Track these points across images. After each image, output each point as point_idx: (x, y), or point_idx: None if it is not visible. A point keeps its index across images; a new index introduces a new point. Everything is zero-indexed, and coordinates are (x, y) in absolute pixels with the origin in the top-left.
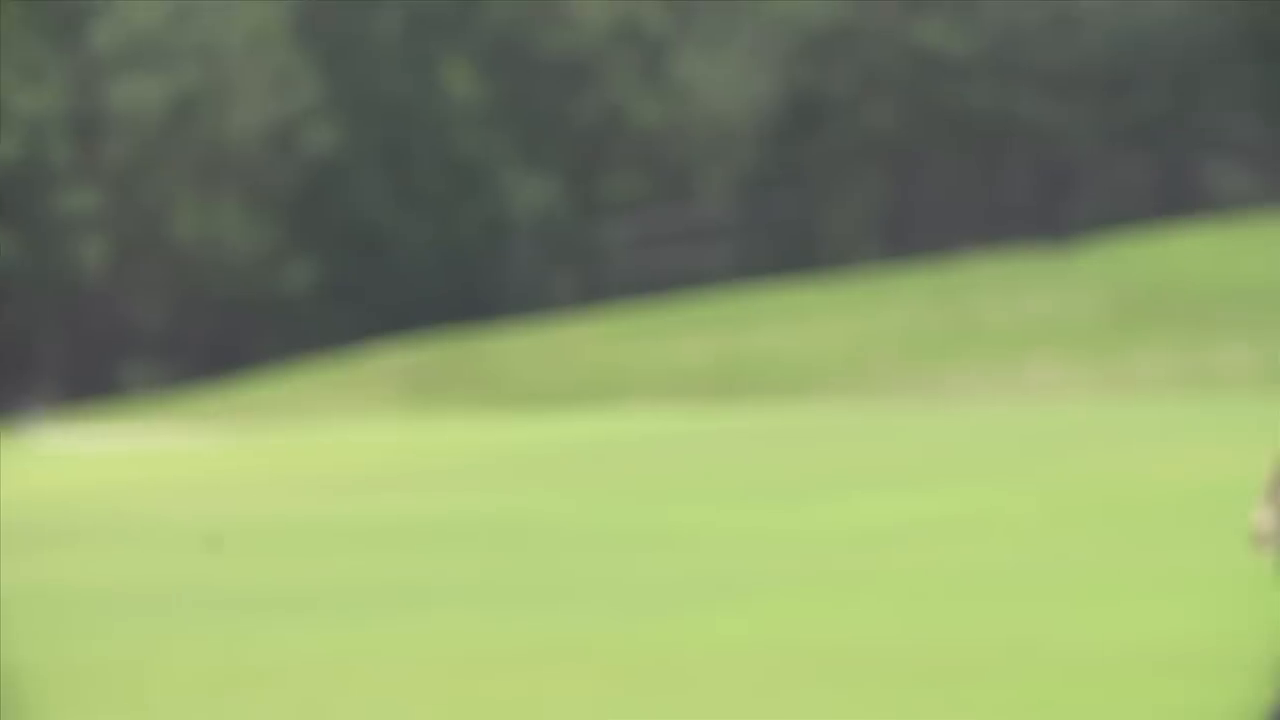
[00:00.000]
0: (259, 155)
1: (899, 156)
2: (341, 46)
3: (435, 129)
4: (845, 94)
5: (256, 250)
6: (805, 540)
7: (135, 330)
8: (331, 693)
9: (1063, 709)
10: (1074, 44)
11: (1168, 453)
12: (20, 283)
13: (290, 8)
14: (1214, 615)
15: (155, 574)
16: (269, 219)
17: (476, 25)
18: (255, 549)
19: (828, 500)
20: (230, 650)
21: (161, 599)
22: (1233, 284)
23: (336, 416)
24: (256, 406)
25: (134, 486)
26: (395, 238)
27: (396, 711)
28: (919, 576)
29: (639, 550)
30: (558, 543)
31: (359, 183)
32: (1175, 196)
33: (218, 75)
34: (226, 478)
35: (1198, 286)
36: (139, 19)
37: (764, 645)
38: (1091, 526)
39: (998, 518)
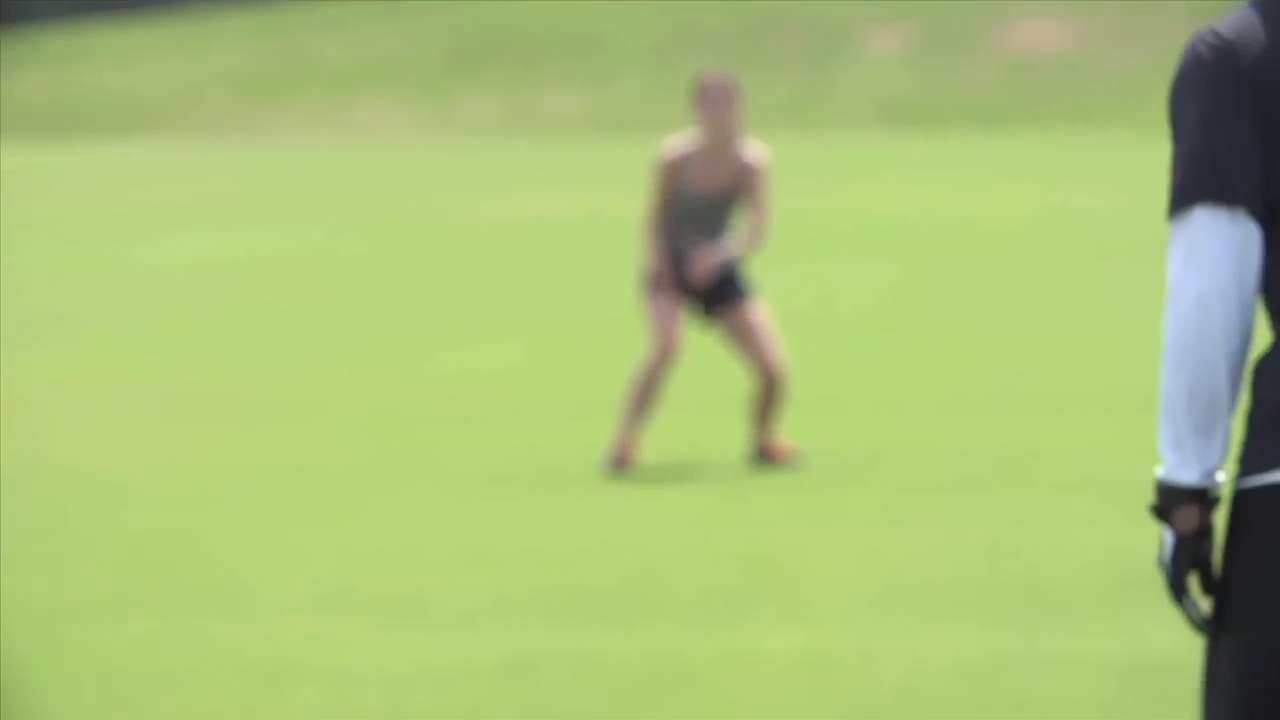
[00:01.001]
0: None
1: None
2: None
3: None
4: None
5: None
6: (139, 275)
7: None
8: None
9: (392, 443)
10: None
11: (497, 193)
12: None
13: None
14: (550, 354)
15: None
16: None
17: None
18: None
19: (159, 237)
20: None
21: None
22: (563, 30)
23: None
24: None
25: None
26: None
27: None
28: (250, 313)
29: None
30: None
31: None
32: None
33: None
34: None
35: (528, 31)
36: None
37: (101, 379)
38: (421, 265)
39: (328, 256)
